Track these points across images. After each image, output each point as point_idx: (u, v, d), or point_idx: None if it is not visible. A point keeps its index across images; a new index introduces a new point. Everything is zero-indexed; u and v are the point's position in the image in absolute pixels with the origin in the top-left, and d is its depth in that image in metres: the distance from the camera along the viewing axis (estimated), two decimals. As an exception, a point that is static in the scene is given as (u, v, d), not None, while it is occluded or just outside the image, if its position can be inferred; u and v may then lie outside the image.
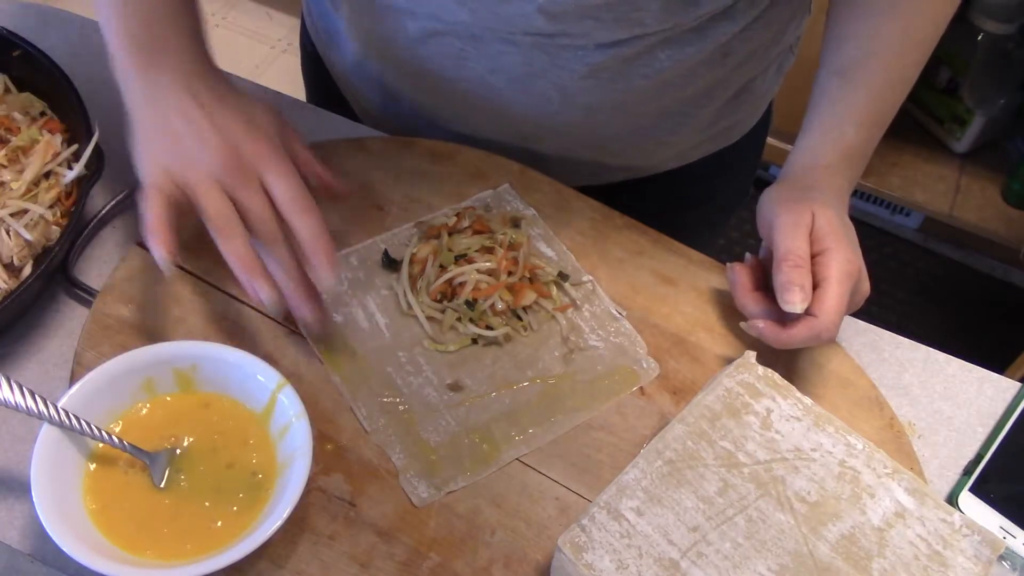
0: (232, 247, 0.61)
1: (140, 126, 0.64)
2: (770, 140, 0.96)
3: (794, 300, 0.62)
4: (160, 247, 0.60)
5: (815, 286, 0.63)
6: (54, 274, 0.71)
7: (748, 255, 0.70)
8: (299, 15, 0.95)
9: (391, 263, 0.71)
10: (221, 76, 0.67)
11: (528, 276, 0.70)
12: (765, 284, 0.68)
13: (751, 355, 0.63)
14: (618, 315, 0.70)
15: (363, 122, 0.88)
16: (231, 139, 0.62)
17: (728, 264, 0.70)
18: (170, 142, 0.63)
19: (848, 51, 0.70)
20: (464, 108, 0.78)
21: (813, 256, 0.64)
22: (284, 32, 2.33)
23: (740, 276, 0.69)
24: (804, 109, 0.72)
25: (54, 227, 0.70)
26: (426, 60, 0.74)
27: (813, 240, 0.65)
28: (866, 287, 0.66)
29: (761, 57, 0.80)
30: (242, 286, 0.62)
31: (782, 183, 0.70)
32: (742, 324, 0.67)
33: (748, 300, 0.68)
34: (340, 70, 0.87)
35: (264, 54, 2.28)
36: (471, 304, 0.67)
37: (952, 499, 0.66)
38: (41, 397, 0.56)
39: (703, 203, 0.94)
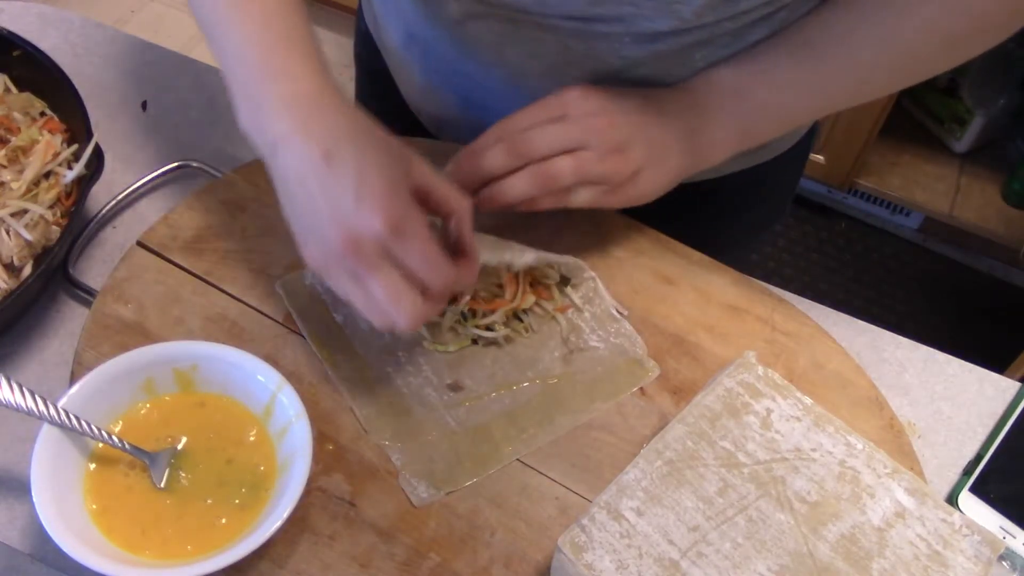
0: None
1: (275, 183, 0.59)
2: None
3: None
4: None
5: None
6: (54, 274, 0.71)
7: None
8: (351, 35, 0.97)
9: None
10: (337, 102, 0.59)
11: (529, 280, 0.70)
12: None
13: (751, 355, 0.63)
14: (618, 315, 0.70)
15: (409, 107, 0.88)
16: (343, 220, 0.55)
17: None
18: (291, 212, 0.58)
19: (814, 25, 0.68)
20: (499, 97, 0.78)
21: None
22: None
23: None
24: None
25: (54, 227, 0.70)
26: (465, 43, 0.74)
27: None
28: (633, 157, 0.66)
29: None
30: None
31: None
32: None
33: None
34: (390, 53, 0.87)
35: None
36: (465, 316, 0.67)
37: (952, 499, 0.66)
38: (41, 397, 0.56)
39: (736, 219, 0.93)
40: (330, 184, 0.56)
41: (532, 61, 0.72)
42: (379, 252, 0.55)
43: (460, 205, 0.61)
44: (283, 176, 0.58)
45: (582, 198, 0.66)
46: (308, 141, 0.57)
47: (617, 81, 0.71)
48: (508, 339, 0.68)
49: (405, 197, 0.57)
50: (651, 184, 0.68)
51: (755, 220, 0.96)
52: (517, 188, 0.64)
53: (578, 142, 0.65)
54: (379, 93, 0.92)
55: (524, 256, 0.66)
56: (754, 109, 0.70)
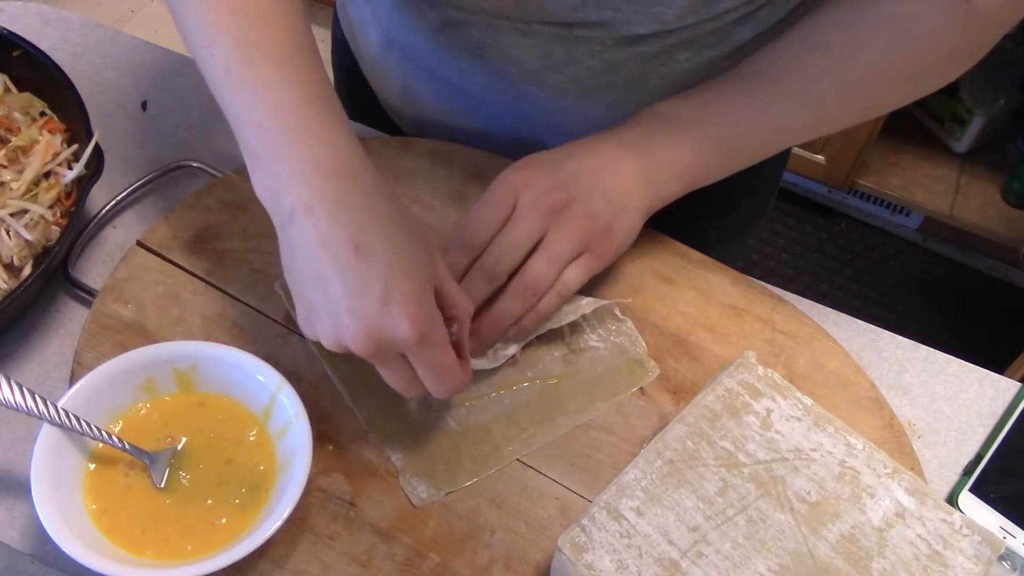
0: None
1: (282, 255, 0.55)
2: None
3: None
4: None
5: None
6: (54, 274, 0.71)
7: None
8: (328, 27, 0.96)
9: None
10: (367, 173, 0.55)
11: None
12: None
13: (751, 355, 0.63)
14: (619, 315, 0.70)
15: (387, 111, 0.88)
16: (365, 316, 0.52)
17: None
18: (296, 285, 0.55)
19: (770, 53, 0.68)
20: (479, 101, 0.78)
21: None
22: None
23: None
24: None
25: (54, 227, 0.70)
26: (444, 50, 0.74)
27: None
28: (595, 213, 0.65)
29: None
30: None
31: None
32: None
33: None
34: (366, 59, 0.87)
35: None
36: None
37: (952, 499, 0.66)
38: (41, 397, 0.56)
39: (721, 215, 0.92)
40: (354, 278, 0.52)
41: (514, 66, 0.72)
42: (397, 354, 0.55)
43: (466, 311, 0.60)
44: (292, 248, 0.54)
45: (575, 280, 0.65)
46: (335, 223, 0.52)
47: (602, 84, 0.71)
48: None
49: (432, 301, 0.55)
50: (625, 232, 0.67)
51: (739, 216, 0.96)
52: (511, 314, 0.63)
53: (541, 229, 0.64)
54: (357, 97, 0.91)
55: (508, 349, 0.66)
56: (702, 141, 0.68)
